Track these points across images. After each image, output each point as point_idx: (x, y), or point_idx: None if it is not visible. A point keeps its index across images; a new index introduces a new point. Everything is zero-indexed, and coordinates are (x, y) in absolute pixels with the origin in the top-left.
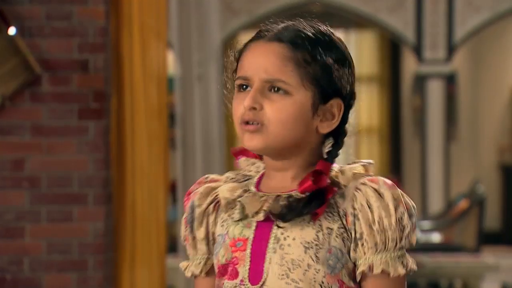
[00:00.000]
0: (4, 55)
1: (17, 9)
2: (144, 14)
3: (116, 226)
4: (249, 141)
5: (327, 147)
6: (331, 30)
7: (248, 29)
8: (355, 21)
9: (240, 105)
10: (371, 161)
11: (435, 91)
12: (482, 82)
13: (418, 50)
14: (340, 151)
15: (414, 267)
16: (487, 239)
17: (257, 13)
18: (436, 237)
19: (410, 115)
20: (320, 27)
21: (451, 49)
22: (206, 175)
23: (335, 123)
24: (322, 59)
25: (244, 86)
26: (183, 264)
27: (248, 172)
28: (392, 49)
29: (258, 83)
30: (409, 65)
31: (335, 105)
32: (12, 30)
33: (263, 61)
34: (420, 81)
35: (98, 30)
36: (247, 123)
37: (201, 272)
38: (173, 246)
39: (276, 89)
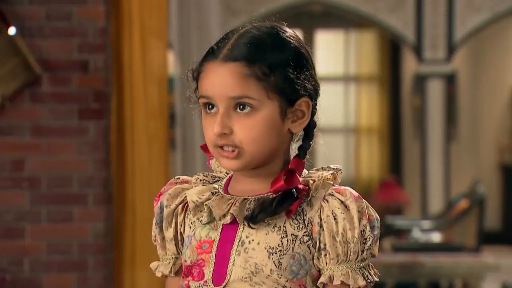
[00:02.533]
0: (4, 55)
1: (17, 9)
2: (144, 14)
3: (116, 226)
4: (227, 163)
5: (297, 141)
6: (284, 29)
7: None
8: (355, 21)
9: (210, 129)
10: (339, 166)
11: (435, 91)
12: (482, 82)
13: (418, 50)
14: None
15: (376, 278)
16: (487, 239)
17: (257, 13)
18: (436, 237)
19: (410, 115)
20: (272, 31)
21: (451, 49)
22: (177, 176)
23: (306, 120)
24: (280, 67)
25: (210, 106)
26: (153, 265)
27: (218, 174)
28: (392, 49)
29: (222, 106)
30: (409, 65)
31: (303, 104)
32: (12, 30)
33: (223, 83)
34: (420, 81)
35: (98, 30)
36: (222, 147)
37: (170, 272)
38: None
39: (242, 107)
